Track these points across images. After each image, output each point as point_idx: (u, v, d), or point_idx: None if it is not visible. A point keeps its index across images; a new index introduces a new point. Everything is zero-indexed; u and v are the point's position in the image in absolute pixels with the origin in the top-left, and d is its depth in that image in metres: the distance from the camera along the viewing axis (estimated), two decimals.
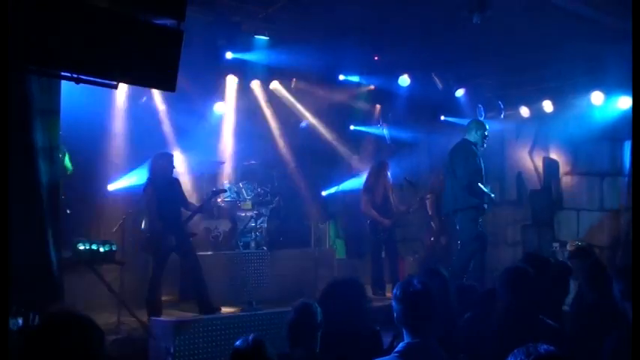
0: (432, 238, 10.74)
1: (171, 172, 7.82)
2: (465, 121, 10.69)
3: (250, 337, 3.19)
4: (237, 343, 3.21)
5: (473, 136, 8.14)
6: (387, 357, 3.35)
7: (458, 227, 8.23)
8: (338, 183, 11.48)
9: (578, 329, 4.58)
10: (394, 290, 3.48)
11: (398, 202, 9.74)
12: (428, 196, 10.09)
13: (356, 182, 10.99)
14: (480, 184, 7.90)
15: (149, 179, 7.72)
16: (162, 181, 7.66)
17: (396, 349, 3.33)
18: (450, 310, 4.31)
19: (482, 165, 8.14)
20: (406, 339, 3.35)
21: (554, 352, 2.31)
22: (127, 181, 9.31)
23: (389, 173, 9.57)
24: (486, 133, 8.17)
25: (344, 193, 11.41)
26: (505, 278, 4.17)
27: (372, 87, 11.53)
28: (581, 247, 7.87)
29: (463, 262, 7.91)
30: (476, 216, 8.01)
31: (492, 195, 8.07)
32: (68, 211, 8.05)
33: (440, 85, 10.78)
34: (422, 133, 11.87)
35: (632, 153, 5.43)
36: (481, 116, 10.31)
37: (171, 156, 7.88)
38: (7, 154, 3.84)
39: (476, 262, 7.94)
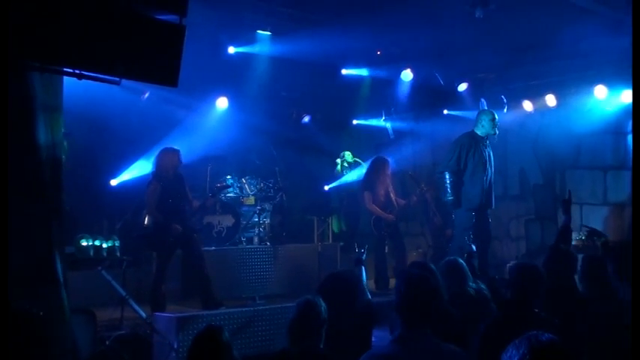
0: (448, 231, 10.63)
1: (177, 167, 7.81)
2: (467, 114, 10.75)
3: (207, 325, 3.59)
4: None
5: (480, 128, 8.13)
6: (382, 345, 3.37)
7: (453, 217, 8.33)
8: (338, 177, 11.46)
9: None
10: (397, 280, 3.49)
11: (398, 196, 9.71)
12: (424, 187, 9.98)
13: (355, 175, 10.98)
14: (447, 179, 7.95)
15: (154, 174, 7.71)
16: (168, 176, 7.66)
17: (391, 339, 3.35)
18: (441, 308, 4.28)
19: (487, 157, 8.14)
20: (401, 330, 3.32)
21: (556, 341, 2.31)
22: (129, 174, 9.32)
23: (389, 169, 9.53)
24: (494, 117, 8.15)
25: (344, 187, 11.39)
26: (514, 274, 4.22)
27: (374, 81, 11.51)
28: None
29: (454, 253, 7.95)
30: (470, 208, 8.05)
31: (450, 198, 8.06)
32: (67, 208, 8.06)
33: (442, 82, 10.78)
34: (424, 126, 11.85)
35: (633, 150, 5.43)
36: None
37: (178, 151, 7.85)
38: (7, 152, 3.84)
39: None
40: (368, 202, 9.33)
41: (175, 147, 7.95)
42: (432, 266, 4.82)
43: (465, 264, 5.33)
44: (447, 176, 7.98)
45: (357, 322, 4.43)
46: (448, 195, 8.01)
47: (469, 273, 5.28)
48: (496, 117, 8.18)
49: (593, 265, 4.98)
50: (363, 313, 4.58)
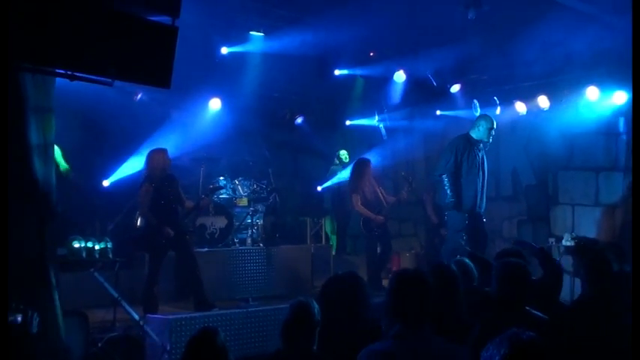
0: (442, 230, 10.56)
1: (168, 168, 7.81)
2: (460, 115, 10.78)
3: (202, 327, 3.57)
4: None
5: (476, 132, 8.16)
6: (383, 341, 3.35)
7: (446, 218, 8.35)
8: (330, 178, 11.46)
9: (575, 323, 4.60)
10: (389, 281, 3.49)
11: (386, 194, 9.70)
12: (412, 182, 9.92)
13: (345, 174, 10.97)
14: (446, 181, 8.00)
15: (145, 176, 7.70)
16: (159, 177, 7.65)
17: (390, 334, 3.33)
18: (457, 309, 4.28)
19: (480, 161, 8.16)
20: (399, 327, 3.31)
21: (537, 339, 2.31)
22: (120, 173, 9.31)
23: (371, 169, 9.51)
24: (493, 126, 8.17)
25: (336, 187, 11.39)
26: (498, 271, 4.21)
27: (367, 81, 11.53)
28: (583, 243, 7.91)
29: (447, 255, 7.98)
30: (463, 210, 8.07)
31: (451, 200, 8.08)
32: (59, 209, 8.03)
33: (435, 83, 10.81)
34: (417, 124, 11.88)
35: (633, 151, 5.45)
36: (476, 111, 10.31)
37: (165, 151, 7.85)
38: (7, 153, 3.83)
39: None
40: (356, 204, 9.31)
41: (164, 147, 7.94)
42: (454, 268, 4.75)
43: (472, 265, 5.27)
44: (446, 179, 8.00)
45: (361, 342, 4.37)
46: (449, 197, 8.01)
47: (476, 275, 5.22)
48: (494, 126, 8.20)
49: (597, 264, 4.95)
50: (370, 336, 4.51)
